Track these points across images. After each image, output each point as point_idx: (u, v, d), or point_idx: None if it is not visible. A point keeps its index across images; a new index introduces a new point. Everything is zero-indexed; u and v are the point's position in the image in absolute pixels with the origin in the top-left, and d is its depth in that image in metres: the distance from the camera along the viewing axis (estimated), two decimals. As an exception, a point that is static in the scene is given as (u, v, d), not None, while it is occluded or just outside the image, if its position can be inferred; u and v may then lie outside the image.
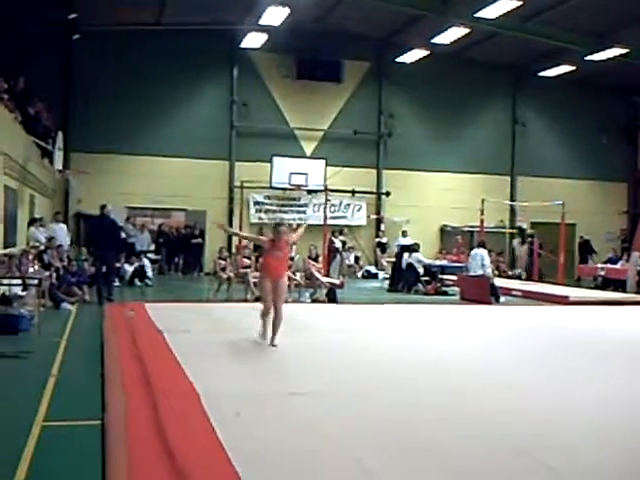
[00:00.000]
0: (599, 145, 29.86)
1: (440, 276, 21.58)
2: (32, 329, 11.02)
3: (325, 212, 24.03)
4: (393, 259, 22.54)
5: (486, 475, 4.94)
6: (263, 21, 23.23)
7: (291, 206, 27.13)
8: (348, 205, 27.73)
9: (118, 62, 24.59)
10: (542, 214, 26.81)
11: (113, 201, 21.14)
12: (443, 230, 28.81)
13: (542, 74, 28.24)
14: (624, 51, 24.07)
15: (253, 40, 25.30)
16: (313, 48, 26.14)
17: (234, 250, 23.62)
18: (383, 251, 26.78)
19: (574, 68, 27.04)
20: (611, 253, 26.46)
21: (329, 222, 24.31)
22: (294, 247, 21.27)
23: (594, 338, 12.08)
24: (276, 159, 26.28)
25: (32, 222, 18.63)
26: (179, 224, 25.99)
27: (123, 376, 7.67)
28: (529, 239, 25.35)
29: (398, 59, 27.07)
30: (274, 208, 26.89)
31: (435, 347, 10.39)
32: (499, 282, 20.00)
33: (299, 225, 11.68)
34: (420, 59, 26.73)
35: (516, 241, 27.41)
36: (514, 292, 20.13)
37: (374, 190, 28.24)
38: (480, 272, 18.65)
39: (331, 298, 17.38)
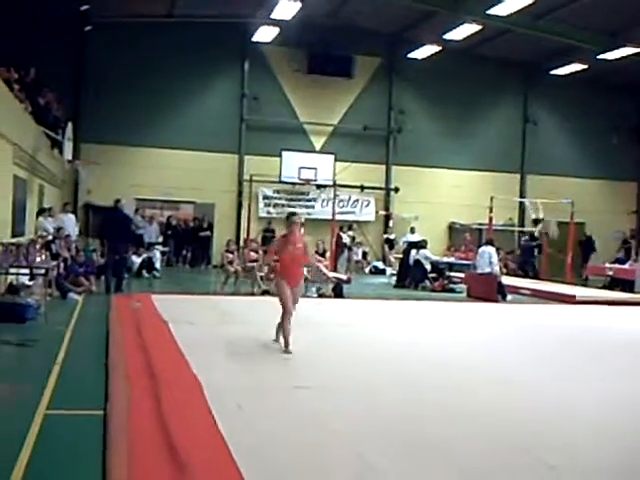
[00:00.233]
0: (609, 144, 29.72)
1: (447, 273, 21.54)
2: (39, 318, 11.05)
3: (333, 207, 24.02)
4: (401, 255, 22.50)
5: (489, 472, 4.94)
6: (275, 15, 23.20)
7: (300, 201, 27.11)
8: (357, 201, 27.70)
9: (130, 54, 24.59)
10: (551, 213, 26.70)
11: (122, 192, 21.25)
12: (452, 227, 28.75)
13: (554, 72, 28.12)
14: (637, 50, 23.93)
15: (265, 34, 25.27)
16: (324, 43, 26.09)
17: (242, 244, 23.65)
18: (391, 247, 26.73)
19: (586, 67, 26.90)
20: (620, 253, 26.35)
21: (337, 217, 24.30)
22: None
23: (599, 337, 12.08)
24: (285, 153, 26.26)
25: (41, 212, 18.66)
26: (188, 217, 25.99)
27: (127, 367, 7.69)
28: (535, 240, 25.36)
29: (409, 55, 26.99)
30: (283, 202, 26.88)
31: (440, 343, 10.39)
32: (507, 280, 19.95)
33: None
34: (431, 55, 26.63)
35: (524, 239, 27.36)
36: (521, 290, 20.08)
37: (383, 186, 28.20)
38: (488, 270, 18.60)
39: (337, 293, 17.37)
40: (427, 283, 20.67)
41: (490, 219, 23.95)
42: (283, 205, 26.72)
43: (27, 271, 12.62)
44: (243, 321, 11.85)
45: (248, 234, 25.09)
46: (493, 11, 22.05)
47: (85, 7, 22.72)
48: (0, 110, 13.50)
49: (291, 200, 27.10)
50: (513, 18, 22.63)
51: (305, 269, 17.93)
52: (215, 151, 26.11)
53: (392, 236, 27.07)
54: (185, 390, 6.73)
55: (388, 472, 4.79)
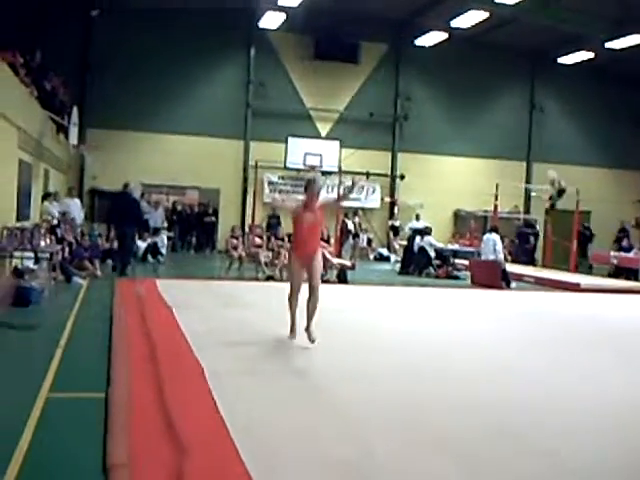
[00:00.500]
0: (616, 133, 29.65)
1: (451, 260, 21.57)
2: (43, 302, 11.11)
3: (338, 194, 23.98)
4: (405, 242, 22.53)
5: (486, 460, 4.95)
6: (281, 1, 23.15)
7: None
8: (362, 187, 27.67)
9: (136, 39, 24.56)
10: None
11: (128, 177, 21.20)
12: (457, 214, 28.75)
13: (561, 60, 28.03)
14: (638, 38, 23.81)
15: (271, 20, 25.22)
16: (331, 29, 26.04)
17: (247, 229, 23.71)
18: (395, 234, 26.73)
19: (593, 55, 26.81)
20: (624, 242, 26.32)
21: (342, 204, 24.26)
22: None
23: (605, 326, 12.08)
24: (291, 139, 26.25)
25: (46, 196, 18.72)
26: (193, 202, 26.02)
27: (130, 351, 7.74)
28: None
29: (416, 42, 26.91)
30: (288, 188, 26.87)
31: (442, 331, 10.40)
32: (511, 268, 19.95)
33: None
34: (438, 43, 26.56)
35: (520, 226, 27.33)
36: (526, 278, 20.09)
37: (388, 173, 28.18)
38: (492, 257, 18.62)
39: (342, 279, 17.42)
40: (431, 270, 20.71)
41: (495, 206, 23.92)
42: (288, 191, 26.72)
43: (32, 255, 12.67)
44: (247, 306, 11.89)
45: (253, 220, 25.16)
46: (501, -2, 21.99)
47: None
48: (5, 94, 13.50)
49: (296, 186, 27.02)
50: (520, 5, 22.52)
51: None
52: (221, 137, 26.12)
53: (397, 223, 27.06)
54: (187, 374, 6.78)
55: (384, 456, 4.83)
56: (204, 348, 7.78)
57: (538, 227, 26.48)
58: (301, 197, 8.82)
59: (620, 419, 6.14)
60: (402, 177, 28.08)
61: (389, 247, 26.89)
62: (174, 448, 4.76)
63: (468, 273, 20.09)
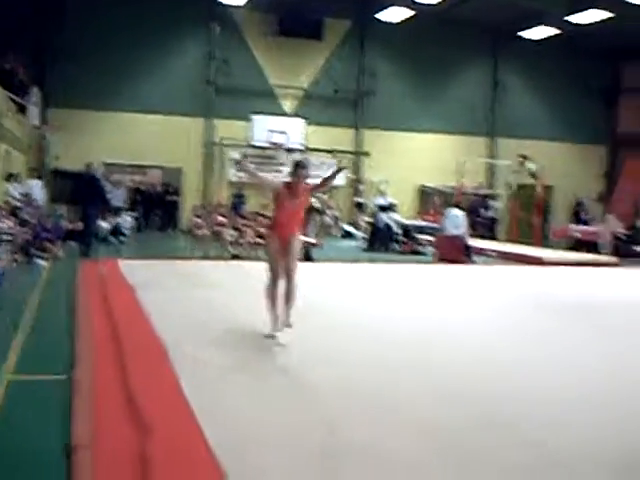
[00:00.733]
0: (579, 108, 29.89)
1: (416, 236, 21.69)
2: (4, 284, 11.00)
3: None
4: (371, 219, 22.60)
5: (467, 448, 4.99)
6: (244, -23, 22.99)
7: (270, 164, 27.00)
8: (328, 164, 27.60)
9: (96, 17, 24.25)
10: (520, 176, 26.86)
11: (90, 157, 20.99)
12: (422, 191, 28.84)
13: (523, 35, 28.11)
14: (606, 12, 23.94)
15: (234, -4, 25.02)
16: (294, 5, 25.87)
17: (210, 208, 23.59)
18: (361, 211, 26.80)
19: (556, 31, 26.92)
20: (582, 215, 26.68)
21: (308, 181, 24.26)
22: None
23: (571, 299, 12.16)
24: (255, 117, 26.12)
25: (8, 178, 18.50)
26: (156, 181, 25.84)
27: (93, 332, 7.71)
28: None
29: (380, 17, 26.80)
30: (253, 166, 26.72)
31: (414, 312, 10.39)
32: (474, 242, 20.11)
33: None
34: (403, 19, 26.50)
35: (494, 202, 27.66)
36: (489, 252, 20.27)
37: (353, 150, 28.18)
38: (455, 232, 18.74)
39: (307, 257, 17.42)
40: (396, 246, 20.80)
41: (459, 182, 24.05)
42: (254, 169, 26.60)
43: (-7, 237, 12.54)
44: (211, 285, 11.85)
45: (217, 199, 25.02)
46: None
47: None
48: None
49: (261, 164, 26.91)
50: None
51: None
52: (184, 115, 25.90)
53: (362, 200, 27.12)
54: (150, 354, 6.77)
55: (361, 444, 4.76)
56: (168, 328, 7.77)
57: (494, 202, 26.78)
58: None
59: (602, 397, 6.19)
60: (367, 154, 28.09)
61: (355, 224, 26.94)
62: (137, 428, 4.77)
63: (433, 249, 20.21)
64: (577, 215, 27.77)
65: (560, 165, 28.68)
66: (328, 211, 26.02)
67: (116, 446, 4.50)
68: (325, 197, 25.23)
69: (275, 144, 26.25)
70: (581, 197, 28.65)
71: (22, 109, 20.42)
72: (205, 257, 16.72)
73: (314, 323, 8.62)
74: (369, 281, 13.58)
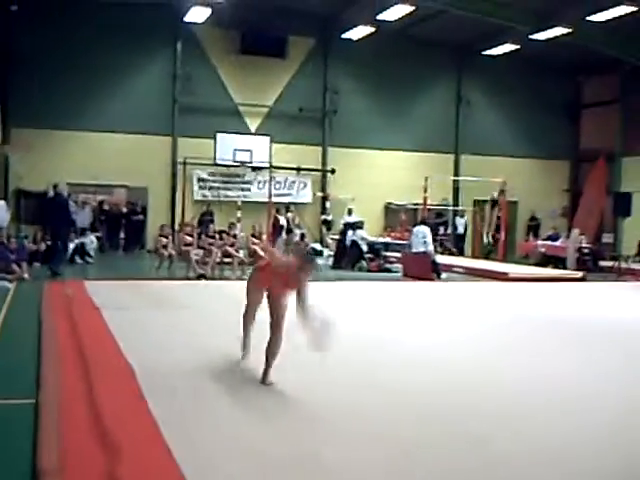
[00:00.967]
0: (542, 124, 30.21)
1: (384, 253, 21.73)
2: (-33, 307, 10.81)
3: (270, 189, 23.97)
4: (338, 236, 22.60)
5: (420, 448, 4.99)
6: (207, -5, 22.96)
7: (236, 183, 26.94)
8: (293, 182, 27.65)
9: (58, 35, 24.01)
10: (485, 192, 27.11)
11: (55, 177, 20.82)
12: (388, 208, 28.93)
13: (487, 53, 28.40)
14: (568, 30, 24.27)
15: (197, 14, 24.92)
16: (257, 23, 25.90)
17: (177, 227, 23.47)
18: (328, 228, 26.82)
19: (518, 47, 27.21)
20: (551, 231, 26.93)
21: (274, 199, 24.30)
22: (239, 225, 21.25)
23: (536, 314, 12.26)
24: (220, 135, 26.01)
25: (-31, 199, 18.27)
26: (121, 201, 25.64)
27: (59, 354, 7.58)
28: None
29: (344, 36, 26.94)
30: (218, 185, 26.68)
31: (374, 324, 10.45)
32: (441, 259, 20.20)
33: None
34: (366, 36, 26.62)
35: (460, 219, 27.91)
36: (456, 269, 20.36)
37: (319, 167, 28.21)
38: (422, 249, 18.80)
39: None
40: (364, 263, 20.81)
41: (425, 199, 24.17)
42: (219, 188, 26.56)
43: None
44: (177, 305, 11.77)
45: (183, 217, 24.87)
46: (425, -8, 22.16)
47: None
48: None
49: (227, 182, 26.91)
50: (446, -1, 22.78)
51: (241, 252, 18.03)
52: (148, 134, 25.72)
53: (329, 217, 27.14)
54: (117, 376, 6.68)
55: (326, 454, 4.81)
56: (134, 349, 7.67)
57: (460, 218, 27.01)
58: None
59: (547, 404, 6.26)
60: (333, 171, 28.13)
61: (322, 242, 26.94)
62: (106, 451, 4.68)
63: (400, 266, 20.26)
64: (531, 230, 28.15)
65: (524, 181, 28.97)
66: (293, 230, 25.99)
67: (86, 469, 4.41)
68: (291, 215, 25.28)
69: (240, 162, 26.16)
70: (535, 212, 28.89)
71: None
72: (171, 277, 16.58)
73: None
74: (337, 299, 13.53)
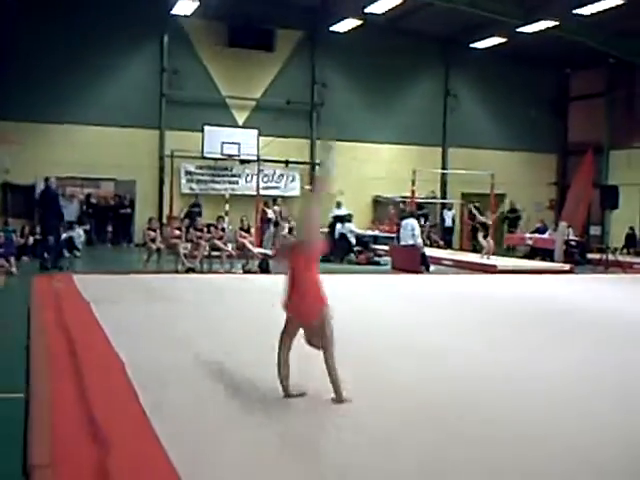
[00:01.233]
0: (530, 117, 30.28)
1: (372, 246, 21.76)
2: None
3: (257, 182, 23.94)
4: (327, 229, 22.59)
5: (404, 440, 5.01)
6: (194, -12, 22.89)
7: (223, 176, 26.89)
8: (281, 175, 27.61)
9: (44, 28, 23.89)
10: (472, 185, 27.20)
11: (42, 170, 20.82)
12: (376, 201, 28.95)
13: (474, 46, 28.43)
14: (555, 23, 24.32)
15: (184, 7, 24.83)
16: (245, 16, 25.84)
17: (164, 220, 23.42)
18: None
19: (506, 40, 27.25)
20: (539, 223, 27.04)
21: (262, 192, 24.28)
22: (227, 218, 21.22)
23: (524, 306, 12.32)
24: (207, 128, 25.91)
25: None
26: (108, 194, 25.58)
27: (48, 348, 7.56)
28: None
29: (331, 28, 26.90)
30: (206, 178, 26.62)
31: (363, 316, 10.45)
32: (429, 252, 20.25)
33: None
34: (353, 28, 26.61)
35: (448, 211, 27.98)
36: (444, 261, 20.42)
37: (307, 160, 28.19)
38: (411, 242, 18.84)
39: (263, 269, 17.38)
40: (352, 256, 20.83)
41: (412, 192, 24.20)
42: (206, 181, 26.50)
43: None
44: (166, 298, 11.75)
45: (171, 210, 24.82)
46: (413, -16, 22.16)
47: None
48: None
49: (215, 176, 26.85)
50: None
51: (230, 246, 18.02)
52: (135, 127, 25.62)
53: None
54: (107, 369, 6.66)
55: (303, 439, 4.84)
56: (125, 344, 7.65)
57: (448, 211, 26.98)
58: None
59: (538, 398, 6.29)
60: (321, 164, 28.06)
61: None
62: (96, 445, 4.67)
63: (388, 258, 20.29)
64: (512, 222, 28.17)
65: (512, 174, 29.04)
66: (283, 222, 25.95)
67: (76, 463, 4.40)
68: (278, 208, 25.22)
69: (228, 155, 26.10)
70: (515, 203, 28.87)
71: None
72: (159, 271, 16.54)
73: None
74: (325, 292, 13.52)
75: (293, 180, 27.83)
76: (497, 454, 4.81)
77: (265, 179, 26.15)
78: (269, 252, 18.80)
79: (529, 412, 5.81)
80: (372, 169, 28.34)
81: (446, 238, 27.59)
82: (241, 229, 18.40)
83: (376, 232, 24.80)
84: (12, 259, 15.47)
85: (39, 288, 12.20)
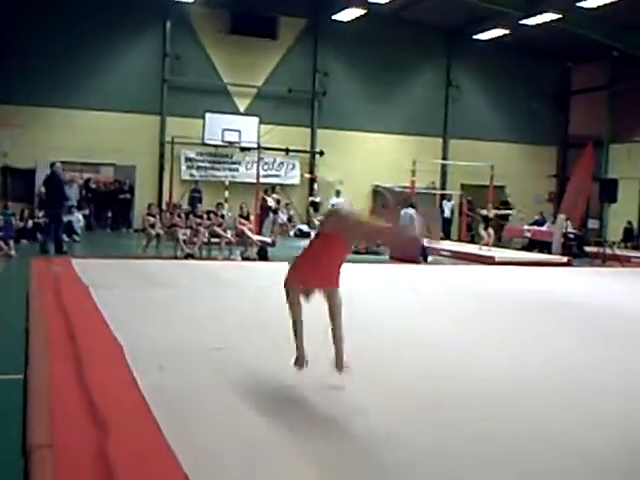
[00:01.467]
0: (531, 109, 30.28)
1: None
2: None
3: (258, 170, 23.94)
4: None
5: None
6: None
7: (224, 163, 26.92)
8: (282, 164, 27.64)
9: (47, 11, 23.90)
10: (472, 176, 27.22)
11: (41, 155, 20.86)
12: (375, 190, 28.94)
13: (477, 37, 28.41)
14: (558, 16, 24.30)
15: (187, -7, 24.86)
16: (248, 3, 25.82)
17: (164, 206, 23.47)
18: (316, 210, 26.85)
19: (509, 32, 27.23)
20: (538, 215, 27.07)
21: (262, 180, 24.28)
22: (226, 205, 21.22)
23: (523, 298, 12.34)
24: (208, 115, 25.96)
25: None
26: (108, 179, 25.60)
27: (47, 331, 7.58)
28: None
29: (334, 17, 26.87)
30: (206, 165, 26.65)
31: (360, 305, 10.46)
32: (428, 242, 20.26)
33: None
34: (357, 18, 26.57)
35: (447, 202, 28.02)
36: (443, 252, 20.45)
37: (308, 149, 28.19)
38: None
39: (262, 256, 17.42)
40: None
41: (412, 182, 24.22)
42: (206, 168, 26.53)
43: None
44: (165, 284, 11.78)
45: (171, 197, 24.84)
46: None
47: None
48: None
49: (215, 163, 26.88)
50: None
51: (229, 232, 18.05)
52: (136, 112, 25.64)
53: (317, 199, 27.17)
54: (106, 353, 6.69)
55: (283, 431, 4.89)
56: (123, 327, 7.68)
57: (447, 202, 26.95)
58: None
59: (528, 392, 6.32)
60: (321, 153, 28.13)
61: (309, 223, 26.98)
62: (96, 428, 4.71)
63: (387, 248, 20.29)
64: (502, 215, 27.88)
65: (512, 166, 29.09)
66: (281, 211, 26.02)
67: (75, 446, 4.44)
68: (276, 196, 25.24)
69: (228, 142, 26.11)
70: (508, 196, 28.71)
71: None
72: (158, 256, 16.58)
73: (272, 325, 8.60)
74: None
75: (293, 168, 27.86)
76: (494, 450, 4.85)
77: (265, 167, 26.17)
78: (268, 240, 18.84)
79: (520, 405, 5.85)
80: (372, 159, 28.35)
81: (445, 229, 27.60)
82: (240, 216, 18.42)
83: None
84: (11, 242, 15.52)
85: (38, 271, 12.22)
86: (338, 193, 25.63)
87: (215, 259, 16.84)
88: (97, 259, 15.04)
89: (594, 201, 26.70)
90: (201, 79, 26.43)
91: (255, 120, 26.66)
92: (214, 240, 17.74)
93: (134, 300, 9.84)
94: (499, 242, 23.22)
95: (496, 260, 18.71)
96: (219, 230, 17.78)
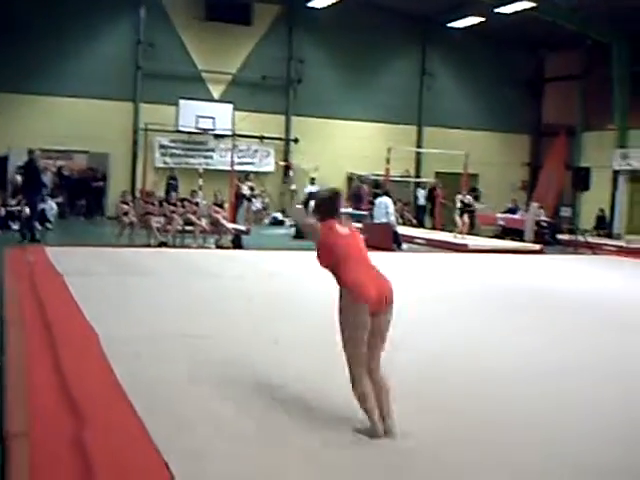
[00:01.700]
0: (505, 97, 30.38)
1: (345, 223, 21.81)
2: None
3: (232, 157, 23.86)
4: (301, 206, 22.65)
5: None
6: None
7: (198, 150, 26.79)
8: (256, 151, 27.56)
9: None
10: (447, 164, 27.32)
11: (14, 142, 20.61)
12: (350, 178, 28.98)
13: (452, 25, 28.42)
14: (532, 4, 24.40)
15: (161, -21, 24.67)
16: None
17: (137, 194, 23.34)
18: (291, 198, 26.86)
19: (483, 20, 27.27)
20: (511, 203, 27.26)
21: (236, 168, 24.18)
22: (200, 193, 21.16)
23: (495, 286, 12.46)
24: (182, 102, 25.80)
25: None
26: (81, 167, 25.42)
27: (23, 320, 7.59)
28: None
29: (309, 4, 26.77)
30: (180, 152, 26.51)
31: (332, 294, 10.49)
32: (402, 230, 20.39)
33: None
34: (332, 5, 26.45)
35: (421, 190, 28.14)
36: (416, 240, 20.57)
37: (283, 136, 28.14)
38: (384, 220, 18.95)
39: (236, 244, 17.41)
40: (326, 233, 20.88)
41: (387, 170, 24.28)
42: (180, 155, 26.40)
43: None
44: (139, 272, 11.79)
45: (144, 185, 24.70)
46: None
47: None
48: None
49: (189, 150, 26.75)
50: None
51: (204, 221, 18.00)
52: (109, 99, 25.39)
53: (293, 187, 27.16)
54: (81, 341, 6.71)
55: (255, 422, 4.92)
56: (98, 315, 7.70)
57: (421, 190, 27.05)
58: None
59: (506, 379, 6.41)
60: (296, 141, 28.09)
61: (284, 211, 26.99)
62: (72, 415, 4.73)
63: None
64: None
65: (485, 153, 29.18)
66: (255, 199, 25.96)
67: (51, 433, 4.46)
68: (252, 183, 25.19)
69: (202, 129, 25.99)
70: (475, 184, 28.67)
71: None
72: (132, 244, 16.50)
73: (254, 311, 8.65)
74: (298, 268, 13.63)
75: (268, 156, 27.79)
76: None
77: (240, 154, 26.05)
78: (242, 228, 18.82)
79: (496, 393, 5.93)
80: (347, 146, 28.33)
81: (419, 217, 27.71)
82: (215, 204, 18.38)
83: (349, 209, 24.83)
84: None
85: (11, 260, 12.17)
86: (313, 181, 25.64)
87: (189, 247, 16.80)
88: (71, 247, 14.98)
89: (567, 189, 26.90)
90: (175, 65, 26.24)
91: (229, 107, 26.55)
92: (188, 228, 17.67)
93: (109, 288, 9.84)
94: (472, 229, 23.35)
95: (469, 248, 18.84)
96: (193, 218, 17.71)
